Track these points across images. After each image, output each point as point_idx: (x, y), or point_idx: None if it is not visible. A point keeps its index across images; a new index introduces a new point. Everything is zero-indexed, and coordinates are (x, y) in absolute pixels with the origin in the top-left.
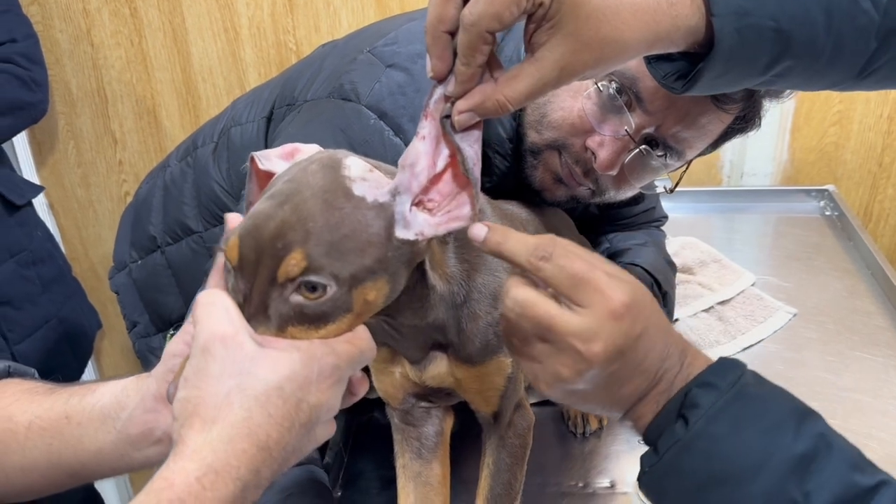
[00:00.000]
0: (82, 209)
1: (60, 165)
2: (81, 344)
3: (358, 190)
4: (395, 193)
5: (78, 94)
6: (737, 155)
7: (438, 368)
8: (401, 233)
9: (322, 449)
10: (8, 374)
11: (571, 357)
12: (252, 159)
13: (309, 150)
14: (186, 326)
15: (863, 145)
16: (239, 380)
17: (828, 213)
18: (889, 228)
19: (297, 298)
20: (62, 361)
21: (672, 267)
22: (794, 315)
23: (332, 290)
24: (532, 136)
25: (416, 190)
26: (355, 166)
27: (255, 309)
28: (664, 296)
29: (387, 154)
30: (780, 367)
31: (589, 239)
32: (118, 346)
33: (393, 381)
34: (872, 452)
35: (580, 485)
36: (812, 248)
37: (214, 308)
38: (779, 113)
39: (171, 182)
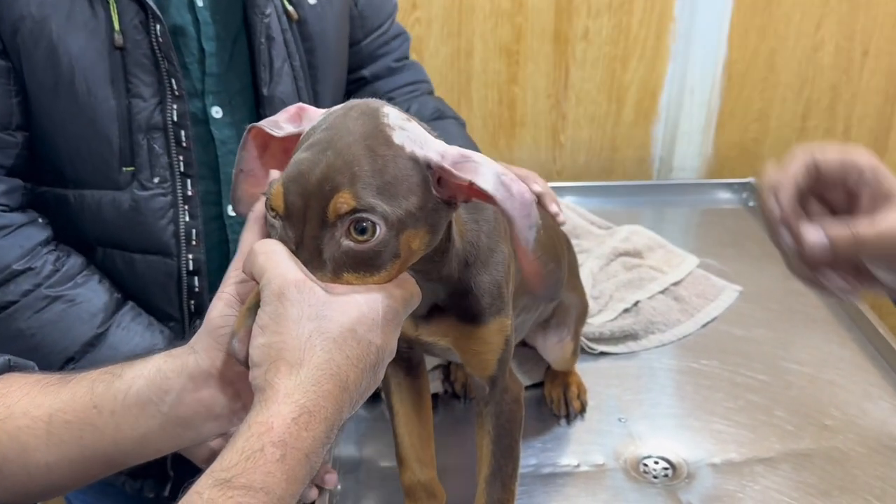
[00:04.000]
0: None
1: None
2: None
3: (397, 138)
4: (428, 164)
5: None
6: (666, 151)
7: (437, 325)
8: (436, 191)
9: None
10: (9, 367)
11: None
12: (250, 130)
13: (314, 111)
14: (222, 293)
15: (779, 141)
16: (317, 323)
17: (751, 204)
18: None
19: (348, 244)
20: None
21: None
22: (740, 292)
23: (381, 230)
24: None
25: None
26: (393, 114)
27: (310, 254)
28: None
29: None
30: (734, 345)
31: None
32: None
33: None
34: (833, 420)
35: (574, 464)
36: (741, 236)
37: (277, 255)
38: (706, 111)
39: None
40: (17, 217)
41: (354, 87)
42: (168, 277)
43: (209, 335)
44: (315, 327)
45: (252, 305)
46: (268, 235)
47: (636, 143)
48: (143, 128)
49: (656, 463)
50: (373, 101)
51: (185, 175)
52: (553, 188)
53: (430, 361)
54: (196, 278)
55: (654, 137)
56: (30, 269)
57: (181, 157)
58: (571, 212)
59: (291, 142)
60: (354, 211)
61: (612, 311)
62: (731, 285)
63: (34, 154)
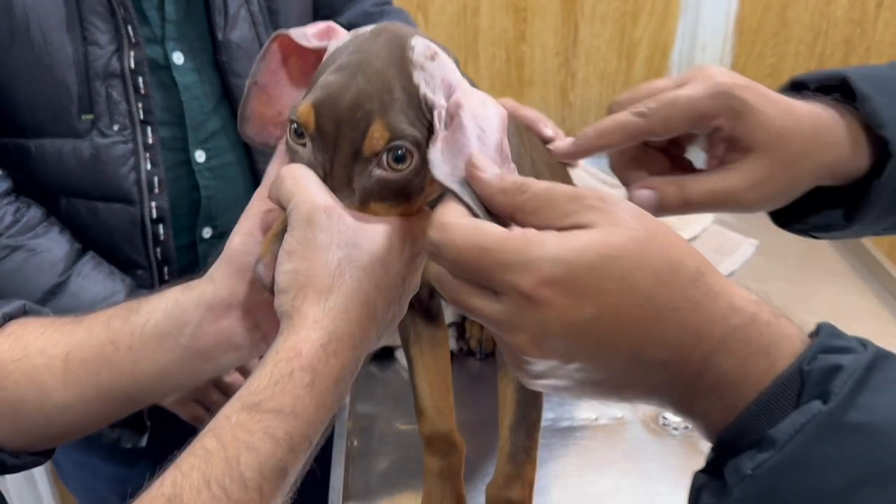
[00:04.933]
0: None
1: None
2: None
3: (416, 77)
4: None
5: None
6: None
7: None
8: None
9: None
10: (24, 312)
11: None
12: (276, 38)
13: (343, 32)
14: (243, 222)
15: None
16: (347, 250)
17: None
18: None
19: (380, 172)
20: None
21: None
22: (757, 246)
23: (416, 158)
24: None
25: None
26: (419, 47)
27: (340, 182)
28: None
29: None
30: None
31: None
32: None
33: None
34: None
35: (593, 417)
36: None
37: (306, 181)
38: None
39: None
40: None
41: None
42: (132, 225)
43: (229, 264)
44: (345, 255)
45: (279, 231)
46: None
47: None
48: (100, 75)
49: (676, 415)
50: (403, 29)
51: (144, 122)
52: None
53: (446, 318)
54: (161, 226)
55: None
56: None
57: (140, 105)
58: (582, 171)
59: (310, 63)
60: (391, 140)
61: None
62: (748, 239)
63: None
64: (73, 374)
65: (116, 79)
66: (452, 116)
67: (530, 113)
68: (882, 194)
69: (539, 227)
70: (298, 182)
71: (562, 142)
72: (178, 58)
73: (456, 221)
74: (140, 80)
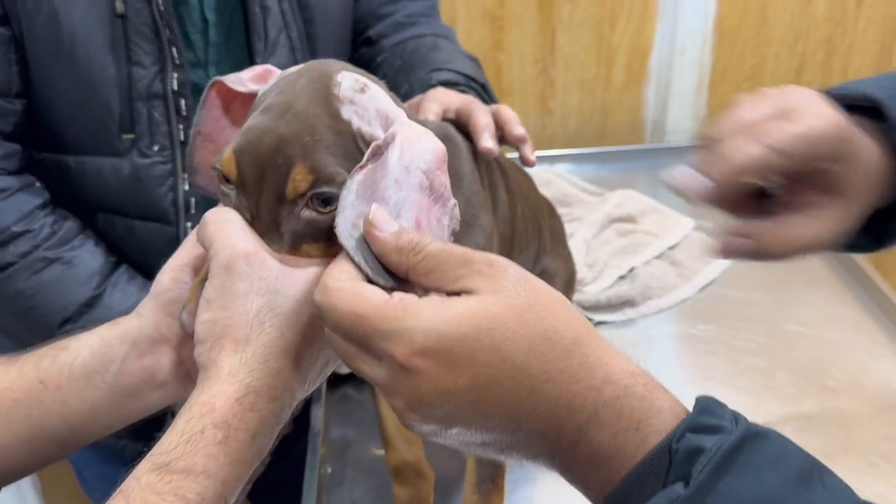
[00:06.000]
0: None
1: None
2: None
3: (345, 113)
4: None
5: None
6: (658, 113)
7: None
8: None
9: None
10: None
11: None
12: (213, 85)
13: (278, 72)
14: (174, 258)
15: None
16: (268, 298)
17: None
18: None
19: (308, 214)
20: None
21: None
22: None
23: None
24: None
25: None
26: (346, 82)
27: (267, 227)
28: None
29: None
30: (734, 308)
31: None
32: None
33: None
34: (836, 381)
35: None
36: None
37: (229, 225)
38: (697, 70)
39: None
40: (14, 181)
41: (365, 49)
42: (168, 244)
43: (155, 299)
44: (265, 302)
45: (204, 277)
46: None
47: (627, 106)
48: (143, 96)
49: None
50: (330, 65)
51: (185, 144)
52: (545, 156)
53: None
54: None
55: (646, 100)
56: (28, 231)
57: (181, 126)
58: (562, 180)
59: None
60: (314, 184)
61: (607, 278)
62: None
63: (34, 121)
64: (5, 416)
65: (158, 100)
66: (381, 148)
67: (481, 120)
68: None
69: (431, 288)
70: (220, 227)
71: (695, 182)
72: None
73: (337, 286)
74: (182, 101)
